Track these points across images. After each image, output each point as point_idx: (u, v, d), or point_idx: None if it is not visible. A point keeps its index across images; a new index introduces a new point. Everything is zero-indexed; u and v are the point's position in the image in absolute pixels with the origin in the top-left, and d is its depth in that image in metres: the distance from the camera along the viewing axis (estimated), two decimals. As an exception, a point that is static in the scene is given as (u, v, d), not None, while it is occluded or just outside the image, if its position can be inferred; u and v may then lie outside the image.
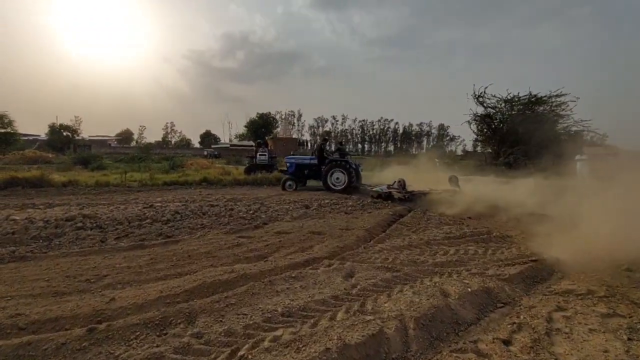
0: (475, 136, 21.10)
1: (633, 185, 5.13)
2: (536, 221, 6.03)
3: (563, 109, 16.59)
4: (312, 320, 2.33)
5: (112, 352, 1.92)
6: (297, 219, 5.85)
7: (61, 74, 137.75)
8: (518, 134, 16.54)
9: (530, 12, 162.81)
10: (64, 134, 43.29)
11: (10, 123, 29.29)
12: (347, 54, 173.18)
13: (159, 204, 7.26)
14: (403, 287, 2.94)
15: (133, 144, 77.92)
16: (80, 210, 6.32)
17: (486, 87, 18.06)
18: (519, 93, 17.49)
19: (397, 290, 2.88)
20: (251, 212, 6.40)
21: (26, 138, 39.80)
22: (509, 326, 2.37)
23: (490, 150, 21.00)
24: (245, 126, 58.70)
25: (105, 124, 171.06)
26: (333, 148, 12.00)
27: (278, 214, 6.22)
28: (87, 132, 55.92)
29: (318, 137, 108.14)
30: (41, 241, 4.33)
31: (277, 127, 59.81)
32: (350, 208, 7.04)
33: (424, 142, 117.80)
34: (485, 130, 18.89)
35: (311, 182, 11.54)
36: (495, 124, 18.07)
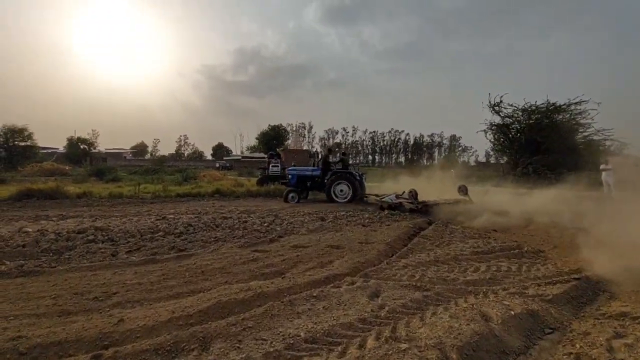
0: (491, 146, 20.66)
1: None
2: (568, 234, 5.66)
3: (584, 117, 16.12)
4: (339, 348, 2.07)
5: (117, 384, 1.71)
6: (314, 232, 5.61)
7: (80, 88, 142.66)
8: (537, 144, 16.06)
9: (541, 21, 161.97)
10: (81, 147, 44.35)
11: (30, 136, 30.12)
12: (357, 67, 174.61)
13: (172, 216, 7.13)
14: (436, 309, 2.66)
15: (147, 156, 79.47)
16: (92, 223, 6.22)
17: (502, 96, 17.73)
18: (536, 102, 17.14)
19: (430, 312, 2.60)
20: (265, 224, 6.20)
21: (45, 151, 40.93)
22: (565, 357, 2.07)
23: (506, 161, 20.50)
24: (257, 138, 59.09)
25: (120, 137, 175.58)
26: (337, 159, 11.67)
27: (293, 227, 5.99)
28: (103, 145, 57.28)
29: (329, 149, 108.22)
30: (51, 254, 4.20)
31: (288, 139, 60.11)
32: (367, 220, 6.76)
33: (435, 153, 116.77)
34: (502, 139, 18.44)
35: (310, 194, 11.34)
36: (513, 133, 17.61)
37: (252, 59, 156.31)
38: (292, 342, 2.13)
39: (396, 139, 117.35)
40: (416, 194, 8.66)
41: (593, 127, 15.96)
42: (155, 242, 4.84)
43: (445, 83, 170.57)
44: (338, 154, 11.89)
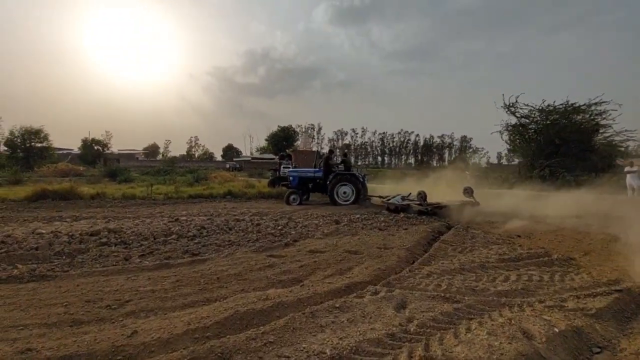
0: (506, 147, 20.16)
1: None
2: (598, 240, 5.37)
3: (604, 118, 15.53)
4: (369, 368, 1.90)
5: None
6: (329, 236, 5.43)
7: (93, 90, 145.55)
8: (555, 145, 15.54)
9: (553, 20, 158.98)
10: (95, 148, 45.05)
11: (45, 137, 30.73)
12: (366, 68, 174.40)
13: (184, 218, 7.05)
14: (470, 324, 2.46)
15: (159, 157, 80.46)
16: (105, 224, 6.17)
17: (518, 96, 17.27)
18: (554, 102, 16.61)
19: (463, 327, 2.40)
20: (279, 227, 6.05)
21: (60, 152, 41.74)
22: (622, 383, 1.86)
23: (520, 162, 19.98)
24: (266, 139, 59.24)
25: (133, 138, 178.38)
26: (338, 160, 11.43)
27: (308, 230, 5.83)
28: (116, 146, 58.08)
29: (338, 150, 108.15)
30: (64, 258, 4.12)
31: (298, 140, 60.08)
32: (383, 224, 6.56)
33: (446, 154, 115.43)
34: (518, 140, 17.95)
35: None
36: (530, 134, 17.10)
37: (262, 60, 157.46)
38: (317, 360, 1.97)
39: (405, 140, 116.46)
40: (425, 195, 8.49)
41: (613, 128, 15.44)
42: (168, 245, 4.73)
43: (456, 84, 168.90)
44: (339, 157, 11.60)
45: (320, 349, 2.09)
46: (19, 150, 29.44)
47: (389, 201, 8.74)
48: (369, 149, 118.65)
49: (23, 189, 11.23)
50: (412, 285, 3.25)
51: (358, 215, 7.62)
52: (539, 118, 16.90)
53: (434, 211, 7.90)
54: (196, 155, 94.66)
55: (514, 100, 17.38)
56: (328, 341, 2.18)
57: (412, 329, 2.38)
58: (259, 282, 3.32)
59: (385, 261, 4.03)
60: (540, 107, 16.74)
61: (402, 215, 7.76)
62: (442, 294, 3.01)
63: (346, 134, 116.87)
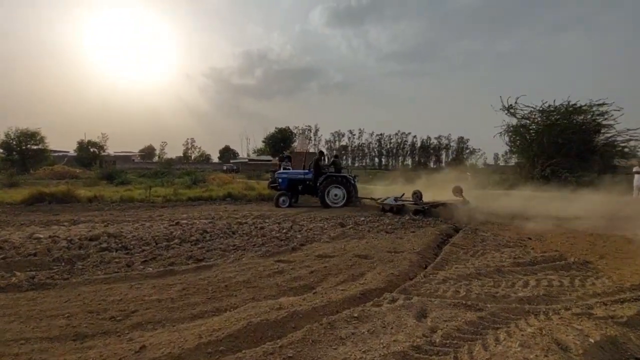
0: (506, 149, 20.18)
1: None
2: (612, 242, 5.28)
3: (606, 119, 15.51)
4: (399, 386, 1.76)
5: None
6: (336, 240, 5.30)
7: (89, 91, 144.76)
8: (557, 145, 15.49)
9: (554, 19, 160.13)
10: (91, 150, 44.67)
11: (42, 140, 30.40)
12: (363, 69, 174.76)
13: (185, 221, 6.89)
14: (497, 334, 2.33)
15: (155, 159, 79.95)
16: (105, 228, 6.00)
17: (518, 98, 17.23)
18: (554, 101, 16.58)
19: (491, 338, 2.27)
20: (284, 231, 5.91)
21: (56, 154, 41.30)
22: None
23: (518, 163, 19.95)
24: (264, 141, 59.03)
25: (129, 140, 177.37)
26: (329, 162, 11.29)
27: (314, 234, 5.69)
28: (112, 148, 57.65)
29: (334, 151, 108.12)
30: (63, 264, 3.96)
31: (295, 141, 59.87)
32: (389, 227, 6.43)
33: (443, 156, 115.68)
34: (519, 141, 17.90)
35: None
36: (531, 134, 17.05)
37: (259, 62, 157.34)
38: (343, 378, 1.82)
39: (402, 142, 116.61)
40: (421, 195, 8.72)
41: (615, 128, 15.42)
42: (171, 250, 4.58)
43: (454, 85, 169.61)
44: (327, 158, 11.47)
45: (343, 364, 1.95)
46: (14, 153, 29.07)
47: (384, 202, 8.86)
48: (366, 151, 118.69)
49: (19, 192, 11.00)
50: (430, 292, 3.12)
51: (363, 218, 7.49)
52: (539, 119, 16.87)
53: (430, 210, 8.11)
54: (193, 157, 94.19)
55: (514, 102, 17.38)
56: (351, 355, 2.04)
57: (437, 341, 2.25)
58: (270, 289, 3.18)
59: (397, 266, 3.90)
60: (541, 108, 16.72)
61: (407, 217, 7.64)
62: (463, 302, 2.88)
63: (343, 135, 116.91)
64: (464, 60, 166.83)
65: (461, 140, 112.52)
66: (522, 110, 17.37)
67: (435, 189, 11.23)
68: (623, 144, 15.62)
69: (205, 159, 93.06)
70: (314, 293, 3.08)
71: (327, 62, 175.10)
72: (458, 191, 8.95)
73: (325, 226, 6.49)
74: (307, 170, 10.86)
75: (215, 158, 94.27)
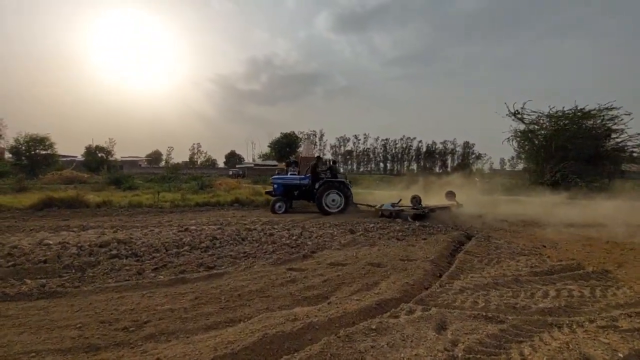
0: (512, 153, 20.03)
1: None
2: (629, 250, 5.15)
3: (616, 123, 15.29)
4: (425, 405, 1.68)
5: None
6: (347, 247, 5.23)
7: (97, 97, 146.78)
8: (566, 150, 15.30)
9: (555, 22, 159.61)
10: (99, 155, 45.07)
11: (51, 145, 30.70)
12: (368, 74, 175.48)
13: (194, 227, 6.86)
14: (522, 348, 2.24)
15: (162, 164, 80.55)
16: (114, 234, 5.99)
17: (525, 103, 17.10)
18: (564, 107, 16.39)
19: (516, 352, 2.19)
20: (294, 237, 5.84)
21: (64, 159, 41.75)
22: None
23: (525, 168, 19.74)
24: (269, 146, 59.11)
25: (136, 145, 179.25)
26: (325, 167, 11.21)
27: (324, 241, 5.62)
28: (119, 153, 58.11)
29: (340, 156, 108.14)
30: (74, 271, 3.93)
31: (300, 146, 59.87)
32: (400, 234, 6.34)
33: (448, 160, 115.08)
34: (527, 146, 17.71)
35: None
36: (539, 139, 16.87)
37: (264, 67, 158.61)
38: (365, 395, 1.75)
39: (408, 146, 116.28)
40: (420, 199, 8.94)
41: (626, 133, 15.19)
42: (181, 257, 4.54)
43: (458, 88, 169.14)
44: (326, 163, 11.40)
45: (365, 380, 1.88)
46: (23, 158, 29.42)
47: (383, 208, 9.06)
48: (372, 156, 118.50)
49: (28, 197, 11.07)
50: (448, 303, 3.04)
51: (372, 225, 7.41)
52: (547, 124, 16.70)
53: (430, 214, 8.48)
54: (199, 162, 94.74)
55: (521, 107, 17.24)
56: (372, 371, 1.97)
57: (459, 355, 2.17)
58: (283, 299, 3.11)
59: (411, 275, 3.82)
60: (549, 113, 16.55)
61: (417, 224, 7.55)
62: (483, 313, 2.79)
63: (348, 140, 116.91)
64: (466, 65, 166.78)
65: (467, 145, 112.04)
66: (529, 115, 17.24)
67: (433, 194, 11.32)
68: (634, 148, 15.38)
69: (211, 163, 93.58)
70: (328, 303, 3.01)
71: (332, 67, 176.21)
72: (450, 195, 9.73)
73: (335, 233, 6.42)
74: (302, 176, 10.81)
75: (221, 163, 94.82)
